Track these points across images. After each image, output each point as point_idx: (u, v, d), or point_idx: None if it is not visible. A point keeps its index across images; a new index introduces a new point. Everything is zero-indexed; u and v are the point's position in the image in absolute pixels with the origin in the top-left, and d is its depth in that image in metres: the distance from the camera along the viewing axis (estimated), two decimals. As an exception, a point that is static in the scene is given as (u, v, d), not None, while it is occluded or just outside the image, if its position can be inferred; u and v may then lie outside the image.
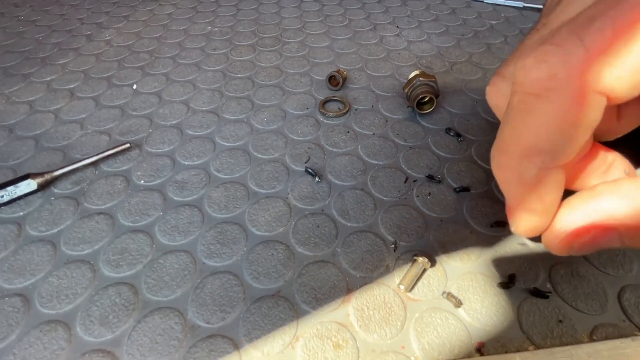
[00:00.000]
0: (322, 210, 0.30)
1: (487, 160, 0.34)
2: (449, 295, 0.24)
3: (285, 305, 0.24)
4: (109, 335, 0.23)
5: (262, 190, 0.32)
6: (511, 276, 0.25)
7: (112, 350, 0.23)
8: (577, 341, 0.22)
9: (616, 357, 0.21)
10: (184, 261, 0.27)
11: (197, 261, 0.27)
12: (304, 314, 0.24)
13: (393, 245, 0.28)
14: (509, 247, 0.27)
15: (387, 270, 0.26)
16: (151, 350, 0.22)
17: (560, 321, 0.23)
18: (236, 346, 0.23)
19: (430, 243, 0.28)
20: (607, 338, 0.22)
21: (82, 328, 0.24)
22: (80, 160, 0.33)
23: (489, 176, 0.33)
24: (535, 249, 0.27)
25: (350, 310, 0.24)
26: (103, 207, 0.31)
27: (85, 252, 0.28)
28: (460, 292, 0.25)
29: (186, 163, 0.35)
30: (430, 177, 0.32)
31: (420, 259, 0.25)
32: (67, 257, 0.28)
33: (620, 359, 0.21)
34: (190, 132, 0.38)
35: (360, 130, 0.38)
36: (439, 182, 0.32)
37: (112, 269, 0.27)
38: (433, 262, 0.26)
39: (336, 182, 0.33)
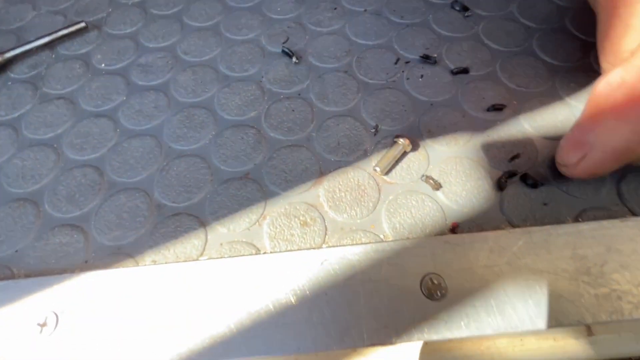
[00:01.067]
0: (299, 94, 0.27)
1: (495, 38, 0.29)
2: (428, 178, 0.23)
3: (253, 186, 0.23)
4: (77, 212, 0.23)
5: (233, 74, 0.29)
6: (515, 156, 0.23)
7: (81, 225, 0.23)
8: (559, 222, 0.21)
9: (599, 238, 0.20)
10: (149, 145, 0.26)
11: (163, 145, 0.26)
12: (273, 195, 0.23)
13: (374, 130, 0.25)
14: (505, 131, 0.24)
15: (365, 155, 0.24)
16: (118, 225, 0.22)
17: (545, 204, 0.22)
18: (202, 223, 0.22)
19: (416, 127, 0.25)
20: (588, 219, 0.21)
21: (50, 205, 0.23)
22: (34, 42, 0.30)
23: (495, 57, 0.28)
24: (534, 134, 0.24)
25: (320, 192, 0.23)
26: (63, 91, 0.29)
27: (48, 135, 0.26)
28: (442, 175, 0.23)
29: (151, 45, 0.31)
30: (425, 58, 0.28)
31: (400, 141, 0.23)
32: (29, 140, 0.26)
33: (604, 240, 0.20)
34: (155, 12, 0.33)
35: (349, 7, 0.32)
36: (434, 63, 0.28)
37: (76, 152, 0.26)
38: (416, 146, 0.24)
39: (317, 64, 0.29)
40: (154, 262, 0.21)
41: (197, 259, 0.21)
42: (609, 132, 0.18)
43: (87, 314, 0.19)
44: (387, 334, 0.18)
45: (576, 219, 0.21)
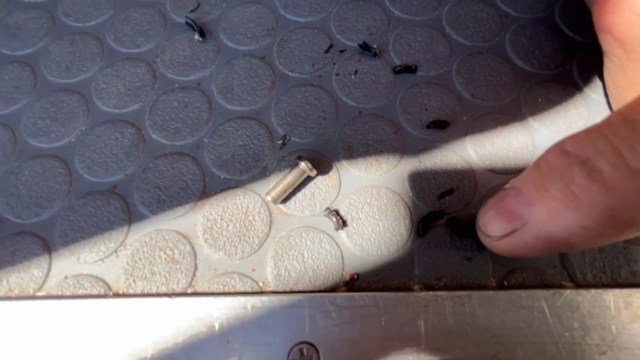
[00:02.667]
0: (198, 84, 0.22)
1: (460, 27, 0.23)
2: (331, 214, 0.18)
3: (117, 205, 0.19)
4: None
5: (121, 49, 0.23)
6: (446, 192, 0.19)
7: None
8: (480, 286, 0.17)
9: (520, 312, 0.16)
10: (0, 138, 0.21)
11: (19, 139, 0.21)
12: (140, 218, 0.19)
13: (281, 141, 0.20)
14: (443, 157, 0.19)
15: (263, 174, 0.20)
16: (-54, 242, 0.18)
17: (468, 259, 0.18)
18: (47, 248, 0.18)
19: (334, 142, 0.20)
20: (520, 284, 0.17)
21: None
22: None
23: (454, 52, 0.22)
24: (478, 164, 0.19)
25: (199, 219, 0.19)
26: None
27: None
28: (351, 210, 0.18)
29: (24, 0, 0.25)
30: (364, 48, 0.22)
31: (303, 164, 0.18)
32: None
33: (524, 318, 0.16)
34: (41, -47, 0.26)
35: (286, -34, 0.25)
36: (375, 55, 0.22)
37: None
38: (327, 168, 0.19)
39: (228, 43, 0.23)
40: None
41: (32, 295, 0.17)
42: (552, 215, 0.13)
43: None
44: (235, 417, 0.15)
45: (501, 282, 0.17)
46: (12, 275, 0.18)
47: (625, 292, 0.16)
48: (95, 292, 0.17)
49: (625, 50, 0.15)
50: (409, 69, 0.21)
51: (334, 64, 0.22)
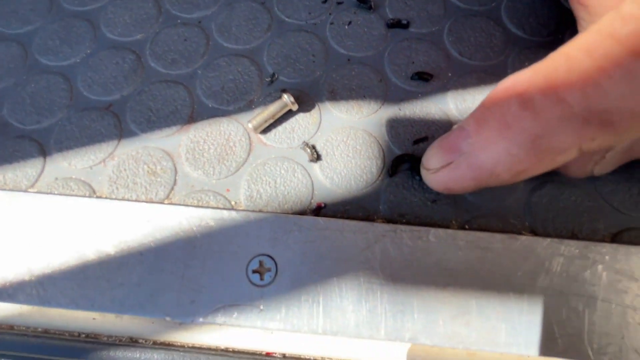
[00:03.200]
0: (199, 22, 0.23)
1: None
2: (307, 146, 0.19)
3: (111, 121, 0.20)
4: None
5: (133, -16, 0.24)
6: (421, 139, 0.19)
7: None
8: (443, 226, 0.18)
9: (471, 252, 0.17)
10: (13, 53, 0.22)
11: (29, 56, 0.22)
12: (130, 135, 0.20)
13: (269, 79, 0.21)
14: (423, 107, 0.20)
15: (249, 106, 0.21)
16: (-45, 138, 0.20)
17: (433, 201, 0.18)
18: (43, 152, 0.19)
19: (320, 84, 0.21)
20: (481, 229, 0.18)
21: None
22: None
23: (449, 13, 0.22)
24: (457, 117, 0.20)
25: (183, 140, 0.20)
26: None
27: None
28: (327, 146, 0.19)
29: None
30: (362, 1, 0.23)
31: (285, 97, 0.19)
32: None
33: (475, 256, 0.17)
34: None
35: None
36: (370, 8, 0.22)
37: None
38: (309, 106, 0.20)
39: (232, -13, 0.24)
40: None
41: (25, 190, 0.19)
42: (486, 144, 0.13)
43: None
44: (191, 311, 0.16)
45: (462, 226, 0.18)
46: (9, 172, 0.19)
47: (582, 243, 0.16)
48: (80, 194, 0.18)
49: (589, 14, 0.16)
50: (401, 24, 0.22)
51: (330, 14, 0.23)
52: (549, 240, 0.16)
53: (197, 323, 0.16)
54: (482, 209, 0.18)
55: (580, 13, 0.16)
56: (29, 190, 0.19)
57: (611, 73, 0.11)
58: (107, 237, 0.17)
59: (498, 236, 0.17)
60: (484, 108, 0.14)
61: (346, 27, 0.22)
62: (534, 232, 0.18)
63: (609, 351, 0.15)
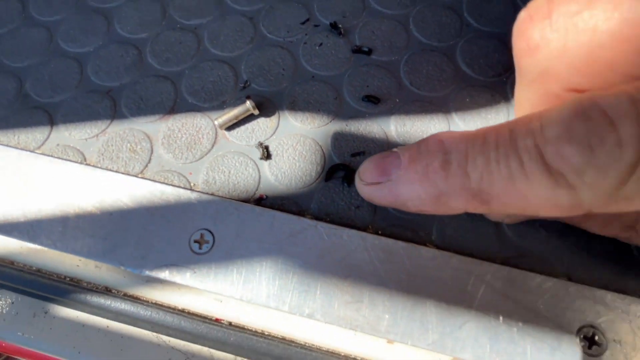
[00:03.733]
0: (195, 28, 0.26)
1: (423, 27, 0.26)
2: (261, 146, 0.22)
3: (108, 104, 0.24)
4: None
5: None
6: (358, 153, 0.22)
7: None
8: (357, 228, 0.21)
9: (384, 247, 0.20)
10: (41, 37, 0.27)
11: (54, 40, 0.27)
12: (121, 117, 0.24)
13: (242, 85, 0.25)
14: (366, 126, 0.23)
15: (221, 106, 0.24)
16: None
17: (357, 207, 0.21)
18: (52, 121, 0.24)
19: (284, 95, 0.24)
20: (391, 234, 0.20)
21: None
22: None
23: (410, 46, 0.25)
24: (394, 139, 0.23)
25: (162, 127, 0.24)
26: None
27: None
28: (278, 148, 0.23)
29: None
30: (333, 26, 0.26)
31: (248, 103, 0.23)
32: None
33: (378, 258, 0.20)
34: None
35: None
36: (340, 34, 0.26)
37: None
38: (270, 113, 0.24)
39: (227, 1, 0.27)
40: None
41: (32, 151, 0.23)
42: (407, 182, 0.17)
43: None
44: (141, 264, 0.20)
45: (377, 232, 0.21)
46: (22, 134, 0.24)
47: (469, 260, 0.19)
48: (74, 159, 0.23)
49: (519, 75, 0.18)
50: (363, 51, 0.25)
51: (305, 34, 0.26)
52: (447, 254, 0.19)
53: (143, 275, 0.20)
54: (396, 220, 0.21)
55: (515, 68, 0.19)
56: (36, 151, 0.23)
57: (494, 170, 0.14)
58: (88, 197, 0.21)
59: (402, 244, 0.20)
60: (418, 151, 0.17)
61: (317, 47, 0.26)
62: (437, 247, 0.20)
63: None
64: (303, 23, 0.26)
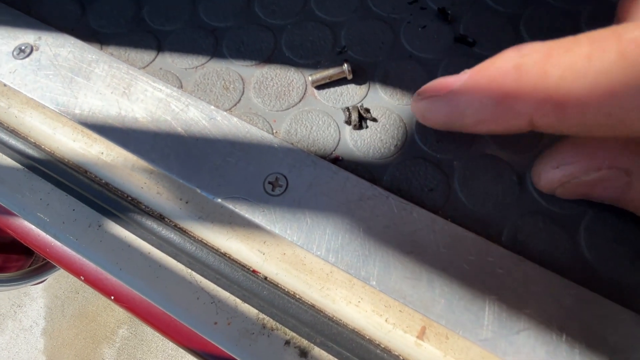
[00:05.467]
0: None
1: (533, 32, 0.25)
2: (348, 110, 0.23)
3: (212, 41, 0.26)
4: None
5: (266, -55, 0.29)
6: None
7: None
8: (432, 212, 0.20)
9: (452, 233, 0.19)
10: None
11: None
12: (220, 56, 0.25)
13: (340, 50, 0.25)
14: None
15: (314, 65, 0.25)
16: (107, 17, 0.27)
17: (431, 190, 0.21)
18: (160, 47, 0.26)
19: (378, 67, 0.24)
20: (460, 224, 0.20)
21: None
22: None
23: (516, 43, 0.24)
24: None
25: (257, 73, 0.24)
26: None
27: None
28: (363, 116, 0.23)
29: None
30: (442, 12, 0.25)
31: (345, 66, 0.23)
32: None
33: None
34: None
35: None
36: (446, 20, 0.25)
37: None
38: (362, 80, 0.24)
39: (340, -30, 0.28)
40: (112, 54, 0.25)
41: (141, 68, 0.25)
42: (468, 89, 0.16)
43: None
44: (215, 191, 0.21)
45: (445, 219, 0.20)
46: (132, 53, 0.26)
47: (538, 268, 0.18)
48: (172, 84, 0.24)
49: None
50: (467, 42, 0.24)
51: (410, 14, 0.26)
52: (517, 257, 0.18)
53: (216, 202, 0.21)
54: (468, 211, 0.20)
55: None
56: (145, 68, 0.25)
57: (576, 77, 0.13)
58: (180, 119, 0.22)
59: (472, 235, 0.19)
60: (491, 60, 0.16)
61: (420, 29, 0.25)
62: (506, 247, 0.20)
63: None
64: (410, 3, 0.26)
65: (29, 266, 0.76)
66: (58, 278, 1.19)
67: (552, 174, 0.18)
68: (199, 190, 0.21)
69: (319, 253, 0.19)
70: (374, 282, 0.18)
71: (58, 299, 1.18)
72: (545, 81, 0.13)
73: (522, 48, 0.15)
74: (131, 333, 1.11)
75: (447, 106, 0.17)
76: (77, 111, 0.23)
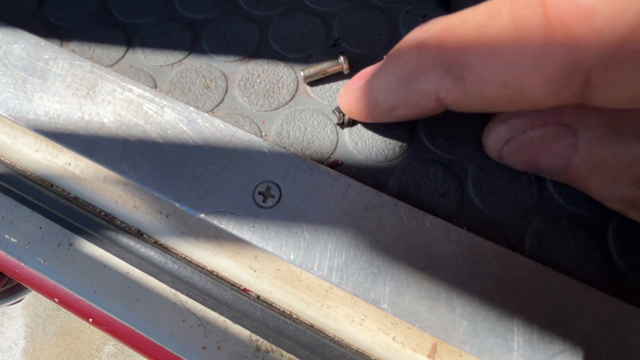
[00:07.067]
0: (291, -23, 0.25)
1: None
2: (338, 111, 0.20)
3: (190, 35, 0.23)
4: None
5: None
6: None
7: None
8: (446, 219, 0.18)
9: (470, 244, 0.17)
10: None
11: (145, -36, 0.26)
12: (199, 51, 0.22)
13: (333, 42, 0.23)
14: (463, 115, 0.20)
15: (306, 59, 0.22)
16: (68, 10, 0.24)
17: (442, 195, 0.19)
18: (129, 43, 0.22)
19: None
20: (477, 233, 0.18)
21: None
22: None
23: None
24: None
25: (241, 69, 0.22)
26: None
27: None
28: (363, 116, 0.20)
29: None
30: (444, 0, 0.23)
31: (341, 59, 0.20)
32: None
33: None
34: None
35: None
36: (448, 9, 0.23)
37: None
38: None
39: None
40: (74, 51, 0.22)
41: (108, 66, 0.22)
42: (380, 73, 0.16)
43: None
44: (197, 205, 0.18)
45: (460, 227, 0.18)
46: (98, 49, 0.22)
47: (565, 278, 0.16)
48: (145, 84, 0.21)
49: None
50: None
51: (408, 3, 0.24)
52: (546, 269, 0.16)
53: (198, 217, 0.18)
54: (485, 218, 0.18)
55: None
56: (113, 66, 0.22)
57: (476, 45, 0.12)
58: (154, 123, 0.19)
59: (493, 245, 0.17)
60: (399, 43, 0.16)
61: (420, 18, 0.23)
62: (530, 257, 0.17)
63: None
64: (408, -9, 0.24)
65: (4, 286, 0.71)
66: (37, 295, 1.12)
67: (499, 129, 0.17)
68: (177, 205, 0.18)
69: (320, 273, 0.16)
70: (386, 305, 0.16)
71: (39, 317, 1.11)
72: (443, 55, 0.13)
73: (426, 24, 0.14)
74: (118, 349, 1.05)
75: (363, 95, 0.16)
76: (31, 116, 0.20)
